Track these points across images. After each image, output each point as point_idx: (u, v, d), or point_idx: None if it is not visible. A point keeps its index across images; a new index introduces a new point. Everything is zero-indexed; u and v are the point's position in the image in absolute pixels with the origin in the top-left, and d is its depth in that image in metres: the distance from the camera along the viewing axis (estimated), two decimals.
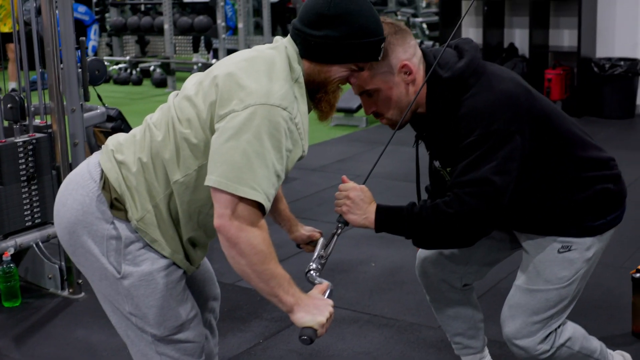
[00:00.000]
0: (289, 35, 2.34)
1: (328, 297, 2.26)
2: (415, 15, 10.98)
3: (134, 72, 12.45)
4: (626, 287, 3.85)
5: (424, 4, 15.00)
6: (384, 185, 6.22)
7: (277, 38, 2.36)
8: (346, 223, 2.53)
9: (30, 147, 4.17)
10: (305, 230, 2.68)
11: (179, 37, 14.11)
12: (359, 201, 2.51)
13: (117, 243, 2.28)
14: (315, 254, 2.45)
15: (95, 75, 4.75)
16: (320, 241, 2.54)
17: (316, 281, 2.32)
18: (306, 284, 2.31)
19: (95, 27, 14.38)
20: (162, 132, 2.27)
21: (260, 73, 2.19)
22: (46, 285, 4.40)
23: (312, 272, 2.36)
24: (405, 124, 2.67)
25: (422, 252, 3.03)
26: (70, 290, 4.31)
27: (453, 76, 2.54)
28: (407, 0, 16.39)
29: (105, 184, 2.29)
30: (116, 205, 2.28)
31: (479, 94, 2.52)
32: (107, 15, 14.67)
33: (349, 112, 8.60)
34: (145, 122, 2.36)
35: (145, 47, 15.00)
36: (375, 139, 7.96)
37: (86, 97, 4.41)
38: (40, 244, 4.34)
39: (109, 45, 14.43)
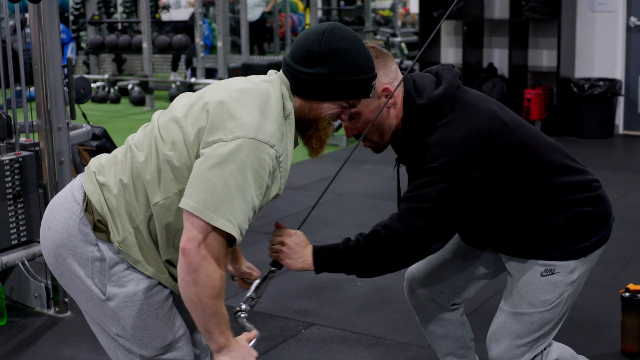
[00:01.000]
0: (281, 70, 2.34)
1: (253, 346, 2.28)
2: (394, 35, 11.04)
3: (112, 90, 12.41)
4: (613, 306, 3.88)
5: (399, 24, 15.11)
6: (366, 204, 6.24)
7: (271, 72, 2.37)
8: (280, 267, 2.52)
9: (17, 165, 4.14)
10: (246, 267, 2.66)
11: (157, 55, 14.12)
12: (294, 246, 2.50)
13: (101, 265, 2.29)
14: (248, 294, 2.45)
15: (80, 93, 4.74)
16: (256, 282, 2.51)
17: (246, 326, 2.35)
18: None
19: (72, 45, 14.32)
20: (144, 153, 2.27)
21: (253, 106, 2.19)
22: (32, 304, 4.36)
23: (242, 313, 2.38)
24: (386, 147, 2.70)
25: (410, 272, 3.03)
26: (57, 309, 4.27)
27: (428, 104, 2.57)
28: (384, 19, 16.51)
29: (88, 206, 2.30)
30: (99, 227, 2.28)
31: (451, 123, 2.54)
32: (82, 33, 14.63)
33: None
34: (127, 142, 2.35)
35: (122, 66, 14.98)
36: (356, 157, 7.89)
37: (72, 115, 4.39)
38: (26, 262, 4.31)
39: (86, 63, 14.39)
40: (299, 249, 2.51)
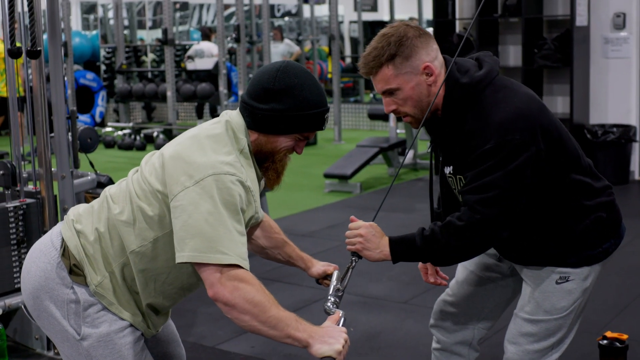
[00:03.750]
0: (237, 109, 2.49)
1: (342, 325, 2.35)
2: None
3: (137, 137, 12.65)
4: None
5: None
6: None
7: (224, 112, 2.50)
8: (360, 257, 2.63)
9: (21, 212, 4.31)
10: (321, 266, 2.79)
11: (184, 103, 14.38)
12: (371, 237, 2.62)
13: (76, 306, 2.41)
14: (331, 287, 2.57)
15: (87, 143, 4.90)
16: (335, 274, 2.64)
17: (332, 312, 2.43)
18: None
19: (102, 94, 14.66)
20: (119, 205, 2.42)
21: (204, 147, 2.33)
22: (33, 346, 4.49)
23: (329, 304, 2.48)
24: (425, 122, 2.73)
25: (436, 319, 3.12)
26: (56, 351, 4.39)
27: (471, 82, 2.63)
28: None
29: (65, 252, 2.43)
30: (75, 271, 2.41)
31: (494, 104, 2.60)
32: (115, 81, 14.95)
33: (343, 178, 8.70)
34: (104, 193, 2.50)
35: (152, 113, 15.28)
36: (369, 205, 8.05)
37: (76, 165, 4.56)
38: None
39: (116, 111, 14.68)
40: (376, 240, 2.63)
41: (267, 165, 2.47)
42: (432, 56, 2.63)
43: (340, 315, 2.39)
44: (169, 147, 2.41)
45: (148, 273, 2.41)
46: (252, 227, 2.69)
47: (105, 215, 2.43)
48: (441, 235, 2.58)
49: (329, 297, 2.51)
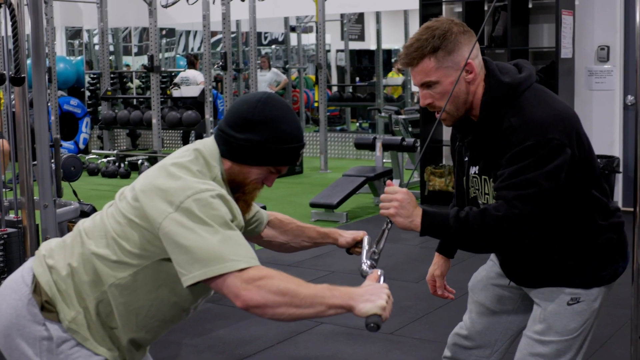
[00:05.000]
0: (212, 136, 2.46)
1: (382, 282, 2.28)
2: (398, 113, 11.19)
3: (122, 165, 12.59)
4: None
5: (416, 99, 15.28)
6: (357, 282, 6.23)
7: (197, 141, 2.47)
8: (391, 223, 2.61)
9: (2, 241, 4.24)
10: (349, 235, 2.76)
11: (169, 131, 14.34)
12: (406, 204, 2.59)
13: (49, 343, 2.35)
14: (364, 252, 2.54)
15: (71, 171, 4.87)
16: (366, 239, 2.63)
17: (369, 273, 2.36)
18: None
19: (86, 120, 14.62)
20: (95, 240, 2.36)
21: (174, 173, 2.30)
22: None
23: (365, 267, 2.43)
24: (459, 120, 2.73)
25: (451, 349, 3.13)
26: None
27: (513, 83, 2.64)
28: (390, 97, 16.70)
29: (37, 288, 2.38)
30: (47, 308, 2.36)
31: (536, 106, 2.61)
32: (99, 108, 14.90)
33: (329, 207, 8.66)
34: (77, 228, 2.45)
35: (137, 140, 15.22)
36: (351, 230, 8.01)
37: (59, 194, 4.51)
38: None
39: (100, 137, 14.62)
40: (410, 208, 2.60)
41: (238, 196, 2.43)
42: (473, 54, 2.64)
43: (379, 273, 2.31)
44: (140, 180, 2.37)
45: (129, 307, 2.36)
46: (256, 235, 2.71)
47: (78, 250, 2.38)
48: (475, 221, 2.55)
49: (365, 261, 2.46)
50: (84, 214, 5.01)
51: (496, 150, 2.64)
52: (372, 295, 2.17)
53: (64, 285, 2.36)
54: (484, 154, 2.73)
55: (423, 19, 9.50)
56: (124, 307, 2.36)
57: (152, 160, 11.92)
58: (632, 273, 2.45)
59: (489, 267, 3.09)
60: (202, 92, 11.91)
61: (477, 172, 2.78)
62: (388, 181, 2.67)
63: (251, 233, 2.73)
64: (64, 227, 5.21)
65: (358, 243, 2.74)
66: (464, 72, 2.63)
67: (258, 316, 2.18)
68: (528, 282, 2.88)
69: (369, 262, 2.45)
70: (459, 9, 9.42)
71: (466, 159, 2.83)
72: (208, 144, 2.42)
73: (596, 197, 2.74)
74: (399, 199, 2.59)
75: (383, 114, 11.08)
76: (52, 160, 4.43)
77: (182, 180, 2.27)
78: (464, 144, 2.83)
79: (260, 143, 2.36)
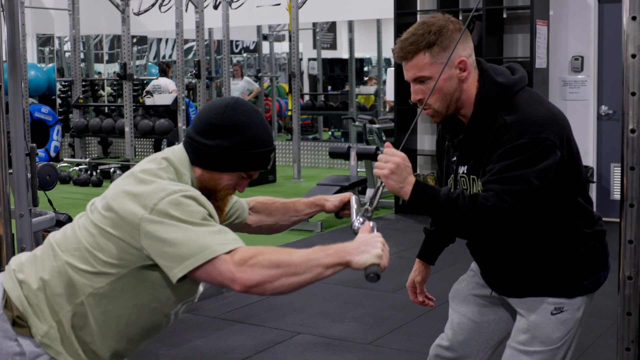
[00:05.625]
0: (180, 144, 2.43)
1: (374, 233, 2.25)
2: (372, 122, 11.19)
3: (94, 173, 12.49)
4: None
5: (387, 108, 15.31)
6: (334, 291, 6.25)
7: (166, 149, 2.43)
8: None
9: None
10: (334, 199, 2.74)
11: (141, 139, 14.26)
12: (402, 169, 2.56)
13: (21, 358, 2.31)
14: (353, 211, 2.52)
15: (46, 180, 4.81)
16: (353, 198, 2.60)
17: (360, 228, 2.31)
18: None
19: (58, 128, 14.51)
20: (68, 251, 2.32)
21: (144, 179, 2.27)
22: None
23: (357, 223, 2.39)
24: (445, 118, 2.72)
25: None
26: None
27: (507, 83, 2.65)
28: (362, 105, 16.72)
29: (8, 303, 2.33)
30: (19, 323, 2.32)
31: (531, 105, 2.62)
32: (70, 116, 14.79)
33: None
34: (48, 240, 2.40)
35: (108, 148, 15.11)
36: (329, 244, 7.98)
37: (35, 203, 4.45)
38: None
39: (71, 145, 14.50)
40: (404, 174, 2.56)
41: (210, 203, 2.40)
42: (467, 53, 2.65)
43: (371, 224, 2.28)
44: (111, 190, 2.33)
45: (108, 315, 2.32)
46: (242, 225, 2.68)
47: (50, 263, 2.33)
48: (464, 205, 2.53)
49: (356, 219, 2.41)
50: (60, 223, 4.95)
51: (487, 148, 2.64)
52: (367, 246, 2.13)
53: (36, 300, 2.32)
54: (474, 153, 2.72)
55: (397, 28, 9.54)
56: (103, 317, 2.32)
57: (125, 169, 11.83)
58: (617, 283, 2.43)
59: (469, 277, 3.08)
60: (175, 100, 11.84)
61: (465, 171, 2.77)
62: (387, 142, 2.65)
63: (234, 224, 2.70)
64: (39, 236, 5.14)
65: (345, 205, 2.72)
66: (457, 70, 2.63)
67: (259, 295, 2.15)
68: (510, 292, 2.87)
69: (360, 219, 2.40)
70: None
71: (454, 158, 2.82)
72: (177, 152, 2.39)
73: (581, 204, 2.74)
74: (395, 162, 2.56)
75: (357, 123, 11.08)
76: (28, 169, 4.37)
77: (155, 184, 2.24)
78: (453, 144, 2.82)
79: (230, 149, 2.34)
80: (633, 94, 2.37)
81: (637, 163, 2.40)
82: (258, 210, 2.76)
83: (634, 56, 2.37)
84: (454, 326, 3.06)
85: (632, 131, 2.35)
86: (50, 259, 2.34)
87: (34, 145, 4.47)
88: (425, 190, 2.58)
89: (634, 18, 2.35)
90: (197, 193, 2.27)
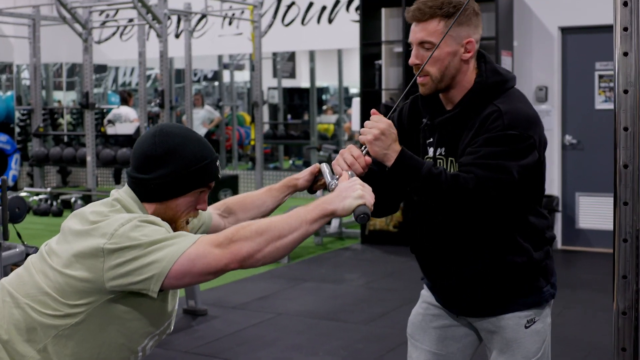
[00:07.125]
0: (125, 185, 2.40)
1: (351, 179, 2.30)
2: (336, 152, 11.20)
3: (54, 203, 12.32)
4: None
5: (346, 137, 15.34)
6: (305, 324, 6.18)
7: (112, 192, 2.39)
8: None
9: None
10: (304, 173, 2.71)
11: (101, 168, 14.11)
12: (387, 135, 2.57)
13: None
14: (327, 176, 2.50)
15: (15, 212, 4.71)
16: (323, 165, 2.59)
17: (335, 184, 2.39)
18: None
19: (16, 157, 14.31)
20: (29, 297, 2.24)
21: (96, 218, 2.24)
22: None
23: (334, 182, 2.41)
24: (436, 90, 2.73)
25: None
26: None
27: (506, 75, 2.72)
28: (330, 135, 16.74)
29: None
30: None
31: (523, 102, 2.68)
32: (29, 144, 14.60)
33: None
34: (2, 287, 2.33)
35: (67, 177, 14.94)
36: (298, 275, 7.95)
37: (5, 236, 4.36)
38: None
39: (30, 174, 14.31)
40: (389, 141, 2.57)
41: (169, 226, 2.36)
42: (476, 38, 2.71)
43: (349, 173, 2.37)
44: (64, 231, 2.28)
45: (76, 357, 2.25)
46: (213, 227, 2.64)
47: (9, 311, 2.25)
48: (445, 181, 2.56)
49: (332, 181, 2.44)
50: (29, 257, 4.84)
51: (470, 131, 2.66)
52: (346, 191, 2.19)
53: None
54: (455, 136, 2.73)
55: (363, 59, 9.59)
56: (70, 359, 2.25)
57: (86, 198, 11.68)
58: (612, 317, 2.43)
59: (424, 310, 3.01)
60: (138, 129, 11.75)
61: (443, 152, 2.77)
62: (373, 110, 2.66)
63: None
64: (8, 270, 5.04)
65: (317, 177, 2.71)
66: (462, 49, 2.68)
67: (254, 267, 2.15)
68: (477, 312, 2.84)
69: (335, 181, 2.43)
70: (399, 49, 9.50)
71: (430, 139, 2.82)
72: (125, 194, 2.36)
73: (538, 210, 2.78)
74: (380, 128, 2.57)
75: (322, 153, 11.07)
76: None
77: (109, 218, 2.21)
78: (433, 124, 2.81)
79: (175, 173, 2.32)
80: (625, 129, 2.38)
81: (631, 198, 2.41)
82: (233, 211, 2.72)
83: (626, 92, 2.38)
84: None
85: (625, 166, 2.36)
86: (8, 306, 2.27)
87: (5, 177, 4.38)
88: (409, 160, 2.60)
89: (625, 54, 2.36)
90: (155, 217, 2.24)
